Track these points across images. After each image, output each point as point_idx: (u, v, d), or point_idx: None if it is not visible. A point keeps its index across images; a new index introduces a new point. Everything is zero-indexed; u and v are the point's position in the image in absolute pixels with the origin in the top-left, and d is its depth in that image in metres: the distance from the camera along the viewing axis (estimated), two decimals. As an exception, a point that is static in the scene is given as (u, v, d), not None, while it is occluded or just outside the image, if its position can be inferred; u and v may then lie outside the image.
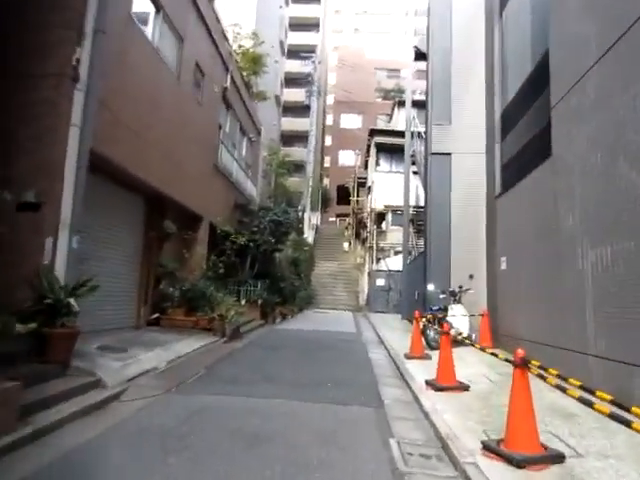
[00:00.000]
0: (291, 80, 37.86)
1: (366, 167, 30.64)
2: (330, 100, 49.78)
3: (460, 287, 9.92)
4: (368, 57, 49.20)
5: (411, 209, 19.91)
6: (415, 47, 17.32)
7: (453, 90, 11.65)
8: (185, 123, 10.35)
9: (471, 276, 10.39)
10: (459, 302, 9.81)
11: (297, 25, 42.09)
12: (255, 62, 17.61)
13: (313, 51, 36.57)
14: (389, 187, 23.94)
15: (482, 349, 5.18)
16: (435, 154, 11.56)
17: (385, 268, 22.07)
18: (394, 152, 24.81)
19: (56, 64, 5.96)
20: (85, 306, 7.59)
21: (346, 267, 27.36)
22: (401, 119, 26.40)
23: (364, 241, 26.66)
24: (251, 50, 17.60)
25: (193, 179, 10.97)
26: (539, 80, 8.44)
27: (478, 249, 10.73)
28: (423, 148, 18.20)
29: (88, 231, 7.55)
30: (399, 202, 21.78)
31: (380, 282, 21.28)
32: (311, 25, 43.87)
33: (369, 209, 25.59)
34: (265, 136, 22.15)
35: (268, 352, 8.66)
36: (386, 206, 24.09)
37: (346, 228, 34.19)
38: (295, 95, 37.95)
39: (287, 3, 33.34)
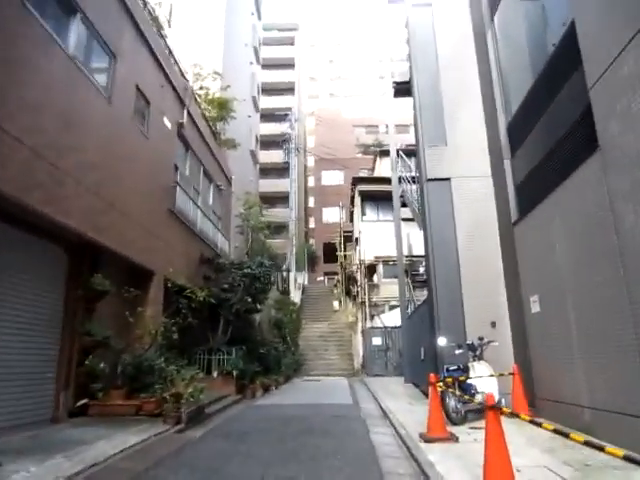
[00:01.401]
0: (269, 142, 37.32)
1: (352, 220, 29.01)
2: (311, 162, 49.25)
3: (480, 339, 7.75)
4: (345, 116, 49.43)
5: (404, 259, 17.91)
6: (394, 82, 16.17)
7: (445, 107, 10.03)
8: (124, 156, 8.45)
9: (493, 324, 8.25)
10: (481, 358, 7.62)
11: (272, 90, 42.21)
12: (221, 107, 16.17)
13: (289, 110, 36.19)
14: (378, 237, 22.16)
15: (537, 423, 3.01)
16: (432, 180, 9.70)
17: (381, 325, 19.70)
18: (380, 200, 23.32)
19: None
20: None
21: (337, 327, 24.84)
22: (384, 170, 25.17)
23: (355, 297, 24.38)
24: (216, 95, 16.21)
25: (139, 225, 8.93)
26: (556, 72, 6.85)
27: (497, 289, 8.65)
28: (413, 187, 16.64)
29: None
30: (390, 252, 19.98)
31: (376, 341, 18.79)
32: (286, 89, 44.11)
33: (358, 262, 23.54)
34: (240, 189, 20.48)
35: (233, 444, 6.22)
36: (376, 257, 22.12)
37: (335, 286, 31.96)
38: (273, 156, 37.23)
39: (258, 61, 32.93)
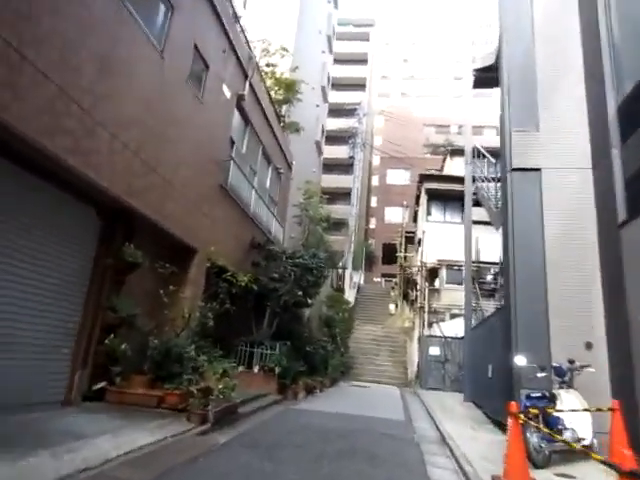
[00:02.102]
0: (335, 138, 36.36)
1: (415, 220, 27.44)
2: (376, 161, 47.83)
3: (571, 362, 6.29)
4: (416, 115, 47.59)
5: (472, 264, 16.26)
6: (474, 70, 14.59)
7: (540, 86, 8.52)
8: (174, 118, 7.67)
9: (589, 345, 6.73)
10: (570, 386, 6.17)
11: (343, 85, 41.17)
12: (288, 88, 15.31)
13: (359, 105, 35.10)
14: (442, 239, 20.54)
15: None
16: (517, 170, 8.24)
17: (440, 334, 18.12)
18: (447, 200, 21.71)
19: None
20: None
21: (392, 332, 23.41)
22: (454, 171, 23.42)
23: (413, 302, 22.85)
24: (284, 75, 15.39)
25: (184, 196, 8.15)
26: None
27: (593, 304, 7.10)
28: (491, 184, 14.98)
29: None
30: (455, 256, 18.42)
31: (434, 351, 17.23)
32: (357, 85, 42.95)
33: (419, 264, 21.99)
34: (301, 179, 19.62)
35: (259, 459, 5.17)
36: (439, 261, 20.51)
37: (392, 288, 30.48)
38: (338, 152, 36.16)
39: (330, 51, 32.04)
